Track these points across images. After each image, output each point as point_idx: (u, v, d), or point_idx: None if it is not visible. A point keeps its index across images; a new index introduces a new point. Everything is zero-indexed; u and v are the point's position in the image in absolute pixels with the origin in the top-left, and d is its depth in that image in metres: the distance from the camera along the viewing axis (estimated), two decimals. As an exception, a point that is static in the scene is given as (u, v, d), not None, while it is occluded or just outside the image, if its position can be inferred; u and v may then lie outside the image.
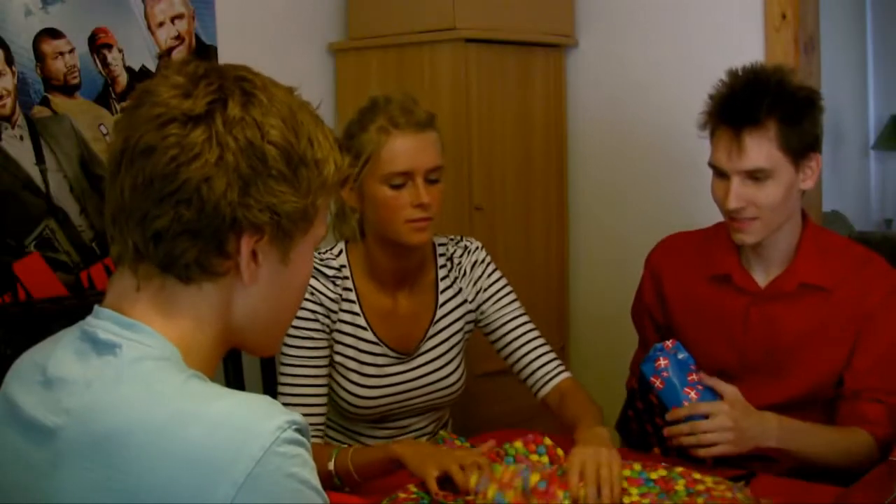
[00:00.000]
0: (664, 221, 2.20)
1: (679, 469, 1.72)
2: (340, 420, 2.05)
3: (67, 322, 1.10)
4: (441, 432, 2.04)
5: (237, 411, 0.95)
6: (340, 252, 1.99)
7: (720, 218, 1.97)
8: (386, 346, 1.98)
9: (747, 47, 2.60)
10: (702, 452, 1.78)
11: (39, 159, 2.32)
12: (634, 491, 1.67)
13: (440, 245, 2.05)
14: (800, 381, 1.94)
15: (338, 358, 1.96)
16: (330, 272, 1.95)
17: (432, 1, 2.68)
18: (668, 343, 1.87)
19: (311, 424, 1.86)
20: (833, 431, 1.89)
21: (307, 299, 1.91)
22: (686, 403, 1.81)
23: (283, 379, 1.91)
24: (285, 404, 1.87)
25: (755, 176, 1.82)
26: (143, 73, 2.50)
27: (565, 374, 2.02)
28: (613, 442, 1.81)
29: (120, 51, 2.46)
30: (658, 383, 1.85)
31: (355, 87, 2.86)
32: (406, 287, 2.01)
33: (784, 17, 2.59)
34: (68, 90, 2.38)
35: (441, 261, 2.05)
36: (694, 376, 1.84)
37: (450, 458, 1.67)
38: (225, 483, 0.90)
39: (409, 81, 2.73)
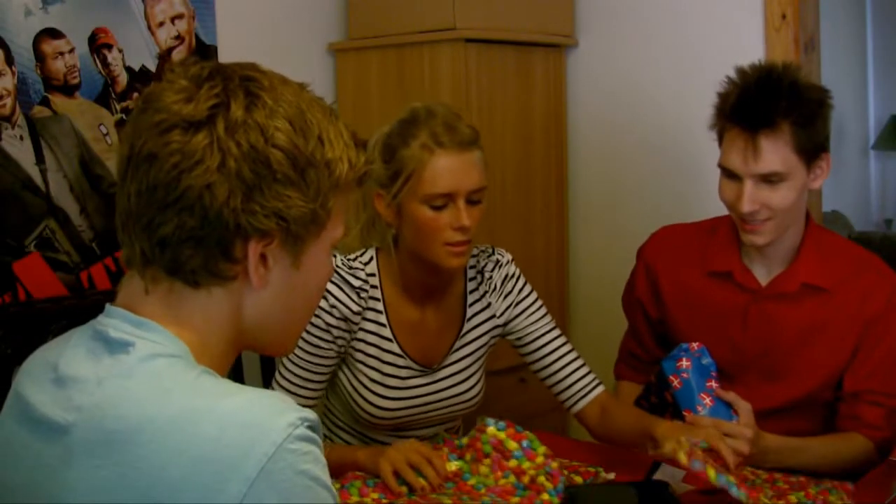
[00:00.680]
0: (664, 221, 2.19)
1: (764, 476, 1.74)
2: (356, 425, 2.02)
3: (67, 322, 1.10)
4: (441, 432, 2.04)
5: (249, 408, 0.94)
6: (371, 260, 1.93)
7: (719, 215, 1.97)
8: (410, 358, 1.95)
9: (747, 47, 2.60)
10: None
11: (39, 159, 2.32)
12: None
13: (471, 257, 2.00)
14: (797, 383, 1.93)
15: (359, 367, 1.93)
16: (356, 283, 1.89)
17: (432, 1, 2.68)
18: (694, 345, 1.86)
19: None
20: (828, 446, 1.89)
21: (326, 311, 1.87)
22: (699, 408, 1.81)
23: (281, 371, 1.92)
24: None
25: (769, 179, 1.80)
26: (143, 73, 2.50)
27: (601, 388, 1.99)
28: None
29: (120, 51, 2.46)
30: (676, 383, 1.85)
31: (355, 87, 2.86)
32: (435, 300, 1.96)
33: (784, 17, 2.59)
34: (68, 90, 2.38)
35: (471, 273, 2.00)
36: (713, 383, 1.84)
37: (399, 456, 1.69)
38: (236, 479, 0.90)
39: (409, 81, 2.73)
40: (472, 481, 1.77)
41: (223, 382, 0.99)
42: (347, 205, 1.10)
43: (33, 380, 1.06)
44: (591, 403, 1.97)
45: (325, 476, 0.96)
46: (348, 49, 2.89)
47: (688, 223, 2.12)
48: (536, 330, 2.00)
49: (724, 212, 1.95)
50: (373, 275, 1.92)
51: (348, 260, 1.92)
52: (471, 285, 2.00)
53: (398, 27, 2.76)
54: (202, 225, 0.98)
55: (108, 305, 1.06)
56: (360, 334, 1.92)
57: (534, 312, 2.01)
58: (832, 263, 1.93)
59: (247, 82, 1.01)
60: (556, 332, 2.01)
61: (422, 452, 1.73)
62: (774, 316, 1.93)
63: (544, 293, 2.08)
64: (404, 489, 1.71)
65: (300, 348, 1.89)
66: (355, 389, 1.95)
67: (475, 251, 2.02)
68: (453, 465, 1.93)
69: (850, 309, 1.90)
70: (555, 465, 1.80)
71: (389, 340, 1.93)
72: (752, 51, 2.54)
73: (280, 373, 1.92)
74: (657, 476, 1.77)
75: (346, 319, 1.89)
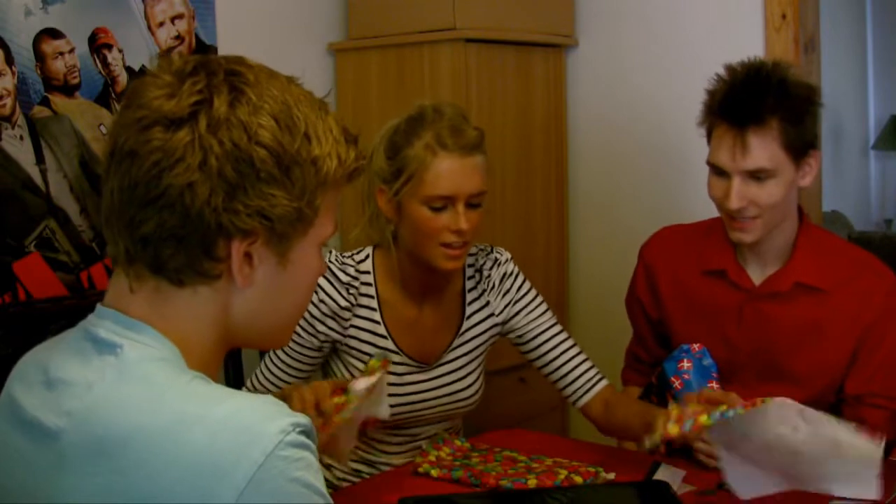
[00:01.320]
0: (664, 221, 2.19)
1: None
2: None
3: (67, 322, 1.10)
4: (441, 431, 2.04)
5: (240, 414, 0.93)
6: (367, 257, 1.94)
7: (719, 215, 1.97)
8: (405, 355, 1.95)
9: (747, 47, 2.59)
10: (703, 459, 1.79)
11: (39, 159, 2.32)
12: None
13: (469, 255, 2.01)
14: (795, 385, 1.93)
15: (353, 363, 1.94)
16: (345, 278, 1.91)
17: (432, 1, 2.68)
18: (696, 346, 1.87)
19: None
20: None
21: (314, 304, 1.89)
22: None
23: (266, 356, 1.96)
24: (255, 375, 1.93)
25: (757, 176, 1.81)
26: (143, 74, 2.49)
27: (605, 382, 1.99)
28: None
29: (120, 51, 2.46)
30: (677, 384, 1.85)
31: (355, 87, 2.86)
32: (432, 297, 1.97)
33: (784, 17, 2.59)
34: (68, 90, 2.38)
35: (469, 272, 2.01)
36: (714, 384, 1.84)
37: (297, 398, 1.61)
38: (227, 487, 0.89)
39: (409, 81, 2.73)
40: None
41: (215, 388, 0.98)
42: (337, 201, 1.08)
43: (24, 382, 1.05)
44: (595, 398, 1.97)
45: (318, 482, 0.94)
46: (348, 49, 2.89)
47: (687, 223, 2.12)
48: (537, 327, 2.00)
49: (723, 211, 1.95)
50: (367, 272, 1.93)
51: (341, 256, 1.94)
52: (469, 284, 2.01)
53: (398, 27, 2.76)
54: (183, 224, 0.96)
55: (98, 305, 1.05)
56: (353, 331, 1.93)
57: (534, 309, 2.01)
58: (829, 264, 1.92)
59: (232, 77, 0.99)
60: (558, 328, 2.01)
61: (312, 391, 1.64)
62: (769, 315, 1.93)
63: (544, 293, 2.08)
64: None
65: None
66: None
67: (474, 250, 2.02)
68: (457, 443, 1.98)
69: (847, 310, 1.90)
70: (563, 472, 1.81)
71: (384, 337, 1.94)
72: (752, 51, 2.52)
73: (264, 359, 1.96)
74: (657, 476, 1.77)
75: (334, 315, 1.90)
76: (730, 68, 1.86)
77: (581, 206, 3.06)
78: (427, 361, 1.98)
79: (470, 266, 2.01)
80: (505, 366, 2.66)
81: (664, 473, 1.78)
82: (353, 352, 1.94)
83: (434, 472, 1.85)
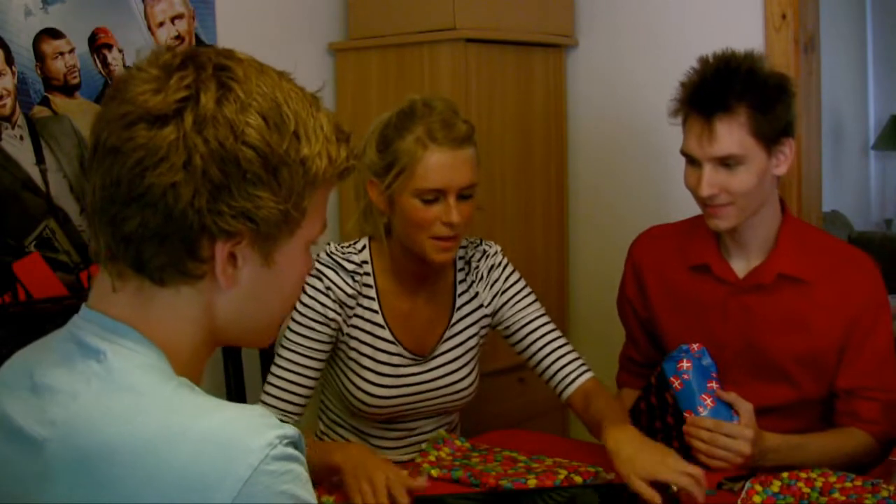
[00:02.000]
0: (664, 220, 2.19)
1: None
2: (349, 418, 2.04)
3: (67, 322, 1.09)
4: (441, 431, 2.04)
5: (225, 428, 0.91)
6: (364, 248, 1.97)
7: None
8: (402, 346, 1.97)
9: (747, 47, 2.60)
10: (703, 459, 1.79)
11: (39, 159, 2.32)
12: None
13: (460, 248, 2.03)
14: (784, 380, 1.94)
15: (352, 354, 1.95)
16: (350, 266, 1.93)
17: (432, 1, 2.68)
18: (695, 346, 1.87)
19: (287, 413, 1.89)
20: (829, 441, 1.90)
21: (322, 293, 1.90)
22: (700, 409, 1.82)
23: (276, 360, 1.92)
24: (270, 384, 1.89)
25: (726, 163, 1.83)
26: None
27: (588, 375, 1.99)
28: None
29: (120, 51, 2.46)
30: (677, 384, 1.85)
31: (355, 87, 2.86)
32: (425, 289, 1.99)
33: (784, 17, 2.59)
34: (68, 90, 2.38)
35: (459, 264, 2.03)
36: (714, 384, 1.84)
37: (380, 476, 1.65)
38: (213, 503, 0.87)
39: (409, 81, 2.73)
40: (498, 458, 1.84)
41: (200, 398, 0.95)
42: (327, 200, 1.05)
43: (9, 388, 1.03)
44: (576, 391, 1.98)
45: (306, 494, 0.93)
46: (348, 49, 2.89)
47: (675, 222, 2.14)
48: (524, 317, 2.01)
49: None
50: (366, 262, 1.95)
51: (342, 246, 1.96)
52: (459, 276, 2.03)
53: (398, 27, 2.76)
54: (165, 224, 0.94)
55: (83, 306, 1.03)
56: (354, 320, 1.94)
57: (521, 300, 2.02)
58: (812, 256, 1.93)
59: (220, 72, 0.96)
60: (545, 320, 2.02)
61: (386, 473, 1.67)
62: (753, 308, 1.94)
63: (544, 292, 2.09)
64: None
65: (295, 332, 1.91)
66: (349, 379, 1.96)
67: (464, 243, 2.05)
68: (457, 443, 1.98)
69: (831, 302, 1.91)
70: (563, 472, 1.82)
71: (382, 327, 1.95)
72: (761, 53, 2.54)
73: (275, 362, 1.93)
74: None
75: (341, 303, 1.92)
76: (702, 60, 1.89)
77: (581, 206, 3.06)
78: (422, 353, 2.00)
79: (460, 258, 2.03)
80: (505, 366, 2.66)
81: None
82: (353, 342, 1.95)
83: (434, 472, 1.85)
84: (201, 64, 0.97)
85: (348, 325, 1.94)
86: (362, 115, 2.82)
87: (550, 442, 2.12)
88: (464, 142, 1.85)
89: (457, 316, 2.02)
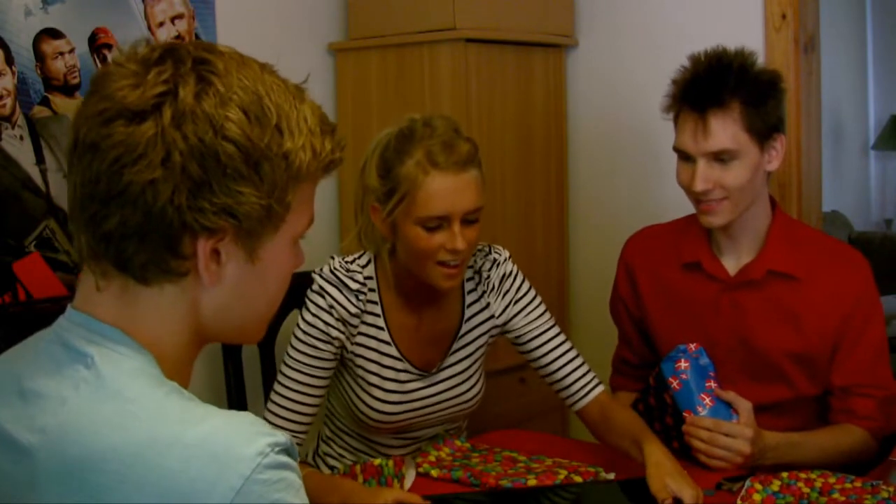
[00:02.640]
0: (663, 220, 2.19)
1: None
2: (358, 428, 2.02)
3: (53, 323, 1.07)
4: (441, 432, 2.04)
5: (215, 437, 0.89)
6: (368, 262, 1.92)
7: None
8: (409, 362, 1.94)
9: (747, 47, 2.60)
10: (702, 459, 1.79)
11: (39, 159, 2.32)
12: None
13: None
14: (779, 380, 1.94)
15: (359, 371, 1.92)
16: (354, 285, 1.88)
17: (432, 1, 2.68)
18: (692, 346, 1.88)
19: (292, 432, 1.86)
20: (827, 438, 1.91)
21: (325, 311, 1.86)
22: (699, 409, 1.82)
23: (279, 378, 1.89)
24: (273, 402, 1.87)
25: (721, 157, 1.84)
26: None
27: (601, 388, 1.98)
28: None
29: (120, 51, 2.45)
30: (675, 384, 1.86)
31: (355, 87, 2.86)
32: (432, 304, 1.95)
33: (784, 17, 2.59)
34: (68, 90, 2.38)
35: (469, 273, 1.99)
36: (712, 383, 1.85)
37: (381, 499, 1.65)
38: None
39: (409, 81, 2.73)
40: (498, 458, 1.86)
41: (190, 404, 0.93)
42: (313, 194, 1.03)
43: None
44: (590, 404, 1.97)
45: (300, 501, 0.91)
46: (348, 49, 2.88)
47: (667, 222, 2.14)
48: (536, 328, 1.99)
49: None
50: (370, 278, 1.92)
51: (346, 262, 1.91)
52: (468, 285, 2.00)
53: (398, 27, 2.76)
54: (146, 221, 0.92)
55: (69, 307, 1.02)
56: (359, 338, 1.91)
57: (532, 311, 2.00)
58: (802, 252, 1.94)
59: (200, 66, 0.94)
60: (556, 331, 2.00)
61: (385, 498, 1.67)
62: (744, 304, 1.95)
63: (544, 293, 2.08)
64: None
65: (298, 350, 1.87)
66: (355, 394, 1.94)
67: None
68: (457, 443, 1.99)
69: (822, 299, 1.92)
70: (563, 472, 1.82)
71: (388, 344, 1.93)
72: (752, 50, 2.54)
73: (278, 380, 1.89)
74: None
75: (344, 321, 1.88)
76: (694, 57, 1.91)
77: (581, 206, 3.06)
78: (429, 368, 1.97)
79: (469, 267, 1.99)
80: (505, 366, 2.66)
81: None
82: (359, 359, 1.92)
83: (434, 472, 1.85)
84: (180, 58, 0.95)
85: (353, 343, 1.91)
86: (362, 115, 2.83)
87: (550, 442, 2.12)
88: (466, 164, 1.79)
89: (466, 327, 1.99)
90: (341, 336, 1.89)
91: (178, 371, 1.00)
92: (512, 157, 2.84)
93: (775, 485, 1.70)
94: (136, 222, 0.93)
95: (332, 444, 2.08)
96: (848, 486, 1.70)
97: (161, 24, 2.53)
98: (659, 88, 2.57)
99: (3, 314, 2.19)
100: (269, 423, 1.86)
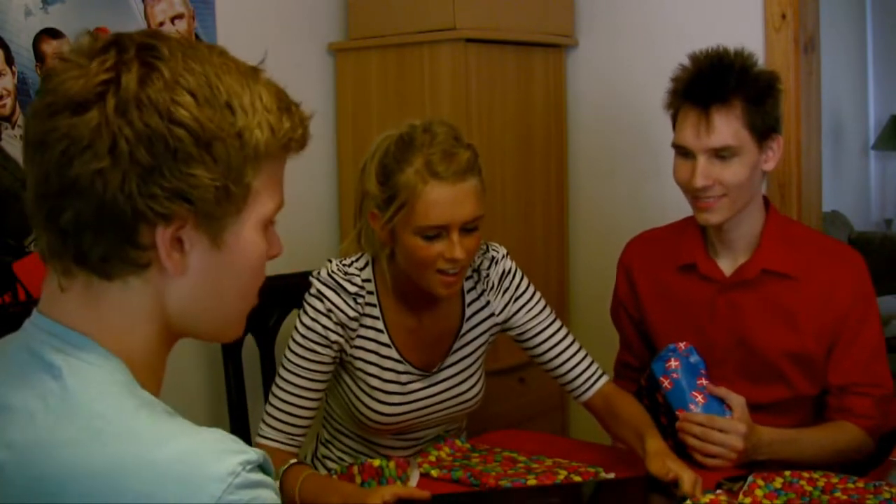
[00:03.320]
0: (663, 220, 2.19)
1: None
2: (354, 428, 2.02)
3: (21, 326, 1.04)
4: (441, 433, 2.04)
5: (185, 459, 0.86)
6: (366, 265, 1.92)
7: None
8: (409, 363, 1.94)
9: (747, 47, 2.60)
10: (697, 457, 1.80)
11: (39, 159, 2.32)
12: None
13: None
14: (777, 380, 1.94)
15: (359, 374, 1.92)
16: (353, 289, 1.88)
17: (432, 1, 2.68)
18: (682, 345, 1.88)
19: (290, 435, 1.86)
20: (823, 435, 1.91)
21: (323, 314, 1.86)
22: (692, 407, 1.83)
23: (277, 381, 1.89)
24: (272, 405, 1.85)
25: (721, 154, 1.85)
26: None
27: (605, 378, 1.99)
28: None
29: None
30: (667, 384, 1.86)
31: (355, 87, 2.86)
32: (431, 306, 1.95)
33: (784, 17, 2.59)
34: (68, 90, 2.37)
35: (467, 272, 1.97)
36: (703, 381, 1.85)
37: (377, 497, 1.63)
38: None
39: (409, 81, 2.73)
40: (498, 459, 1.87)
41: (160, 420, 0.91)
42: (279, 175, 1.00)
43: None
44: (595, 395, 1.98)
45: None
46: (348, 49, 2.88)
47: (664, 225, 2.15)
48: (537, 325, 2.00)
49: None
50: (368, 280, 1.91)
51: (344, 265, 1.91)
52: (468, 284, 2.00)
53: (398, 27, 2.76)
54: (99, 212, 0.91)
55: (35, 311, 1.00)
56: (359, 341, 1.91)
57: (533, 307, 2.00)
58: (796, 251, 1.95)
59: (144, 52, 0.92)
60: (557, 325, 2.01)
61: (382, 495, 1.65)
62: (740, 304, 1.96)
63: (544, 292, 2.08)
64: None
65: (296, 354, 1.87)
66: (356, 396, 1.94)
67: None
68: (458, 443, 2.00)
69: (817, 297, 1.92)
70: (563, 472, 1.82)
71: (388, 346, 1.93)
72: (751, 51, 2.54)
73: (276, 384, 1.89)
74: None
75: (342, 325, 1.88)
76: (693, 56, 1.92)
77: (581, 206, 3.06)
78: (429, 368, 1.97)
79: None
80: (505, 366, 2.66)
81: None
82: (359, 362, 1.92)
83: (434, 472, 1.85)
84: (124, 46, 0.93)
85: (352, 346, 1.91)
86: (362, 115, 2.83)
87: (550, 442, 2.12)
88: (466, 173, 1.77)
89: (466, 326, 1.99)
90: (340, 340, 1.88)
91: (149, 372, 0.98)
92: (512, 157, 2.84)
93: (777, 482, 1.70)
94: (88, 214, 0.91)
95: (330, 446, 2.08)
96: (850, 486, 1.70)
97: (161, 24, 2.53)
98: (659, 88, 2.58)
99: (3, 314, 2.19)
100: (267, 425, 1.87)
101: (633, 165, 2.95)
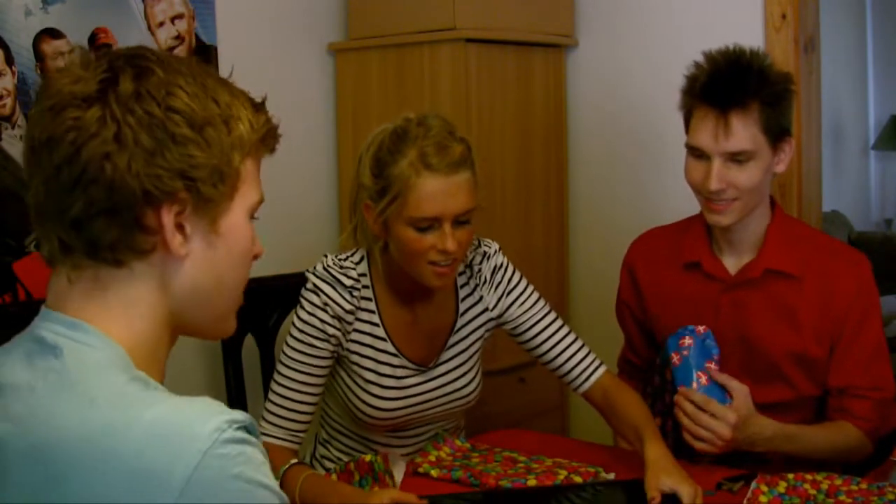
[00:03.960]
0: (663, 221, 2.19)
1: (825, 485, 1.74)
2: (354, 427, 2.02)
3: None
4: (440, 431, 2.04)
5: (171, 418, 0.91)
6: (361, 259, 1.93)
7: None
8: (405, 357, 1.95)
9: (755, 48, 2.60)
10: (686, 436, 1.79)
11: (39, 159, 2.32)
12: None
13: None
14: (779, 380, 1.94)
15: (355, 368, 1.93)
16: (348, 282, 1.89)
17: (432, 1, 2.68)
18: (700, 328, 1.87)
19: (291, 431, 1.87)
20: (822, 435, 1.92)
21: (319, 308, 1.87)
22: (694, 385, 1.81)
23: (276, 378, 1.90)
24: (271, 402, 1.87)
25: (737, 158, 1.84)
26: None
27: (603, 369, 2.00)
28: None
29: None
30: (676, 359, 1.85)
31: (355, 87, 2.86)
32: (426, 300, 1.96)
33: (784, 17, 2.59)
34: (68, 90, 2.37)
35: (460, 267, 1.99)
36: (713, 365, 1.84)
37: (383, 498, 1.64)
38: (165, 493, 0.88)
39: (409, 81, 2.74)
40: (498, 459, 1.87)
41: (150, 391, 0.96)
42: (257, 171, 1.09)
43: None
44: (593, 387, 1.99)
45: (262, 476, 0.93)
46: (348, 49, 2.88)
47: (667, 224, 2.15)
48: (531, 317, 2.00)
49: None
50: (364, 274, 1.92)
51: (339, 259, 1.92)
52: (461, 280, 2.01)
53: (398, 27, 2.76)
54: (109, 196, 0.98)
55: (42, 307, 1.05)
56: (355, 335, 1.92)
57: (526, 300, 2.01)
58: (800, 251, 1.95)
59: (134, 59, 1.02)
60: (552, 317, 2.01)
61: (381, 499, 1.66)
62: (744, 303, 1.96)
63: (544, 293, 2.08)
64: None
65: (294, 349, 1.88)
66: (352, 391, 1.95)
67: None
68: (457, 443, 2.00)
69: (820, 297, 1.92)
70: (563, 472, 1.82)
71: (384, 340, 1.93)
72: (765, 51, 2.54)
73: (275, 380, 1.90)
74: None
75: (339, 318, 1.89)
76: (708, 55, 1.89)
77: (581, 206, 3.06)
78: (425, 362, 1.98)
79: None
80: (505, 366, 2.66)
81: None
82: (354, 356, 1.92)
83: (434, 472, 1.85)
84: (115, 56, 1.03)
85: (348, 340, 1.91)
86: (362, 115, 2.83)
87: (550, 442, 2.12)
88: (459, 166, 1.79)
89: (461, 322, 2.00)
90: (337, 333, 1.89)
91: (151, 362, 1.03)
92: (512, 156, 2.84)
93: (781, 486, 1.70)
94: (100, 199, 0.98)
95: (329, 446, 2.08)
96: (854, 487, 1.70)
97: (161, 24, 2.53)
98: (658, 88, 2.58)
99: (3, 314, 2.19)
100: (267, 422, 1.88)
101: (633, 165, 2.95)
